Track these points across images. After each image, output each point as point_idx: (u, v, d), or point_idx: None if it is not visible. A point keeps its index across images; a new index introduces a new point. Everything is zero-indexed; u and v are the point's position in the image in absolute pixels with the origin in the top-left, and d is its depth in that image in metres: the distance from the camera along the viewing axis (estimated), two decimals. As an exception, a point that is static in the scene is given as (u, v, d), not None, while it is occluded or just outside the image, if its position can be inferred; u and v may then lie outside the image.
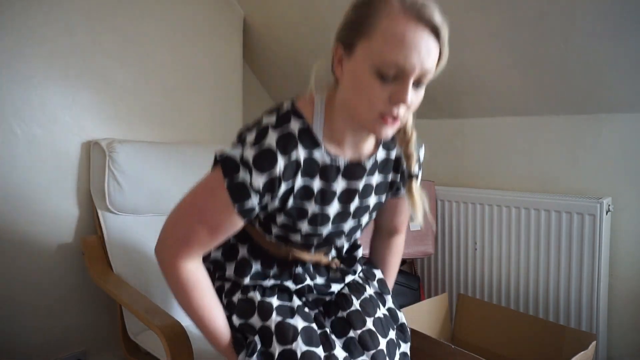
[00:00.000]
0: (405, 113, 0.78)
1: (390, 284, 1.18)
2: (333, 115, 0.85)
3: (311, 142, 0.84)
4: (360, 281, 1.08)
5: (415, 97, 0.77)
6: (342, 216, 0.93)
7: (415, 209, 0.89)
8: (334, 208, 0.90)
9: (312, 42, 2.04)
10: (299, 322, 0.91)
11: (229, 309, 0.95)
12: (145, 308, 1.20)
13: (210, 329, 0.90)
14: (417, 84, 0.76)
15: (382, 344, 0.96)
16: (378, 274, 1.12)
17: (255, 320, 0.92)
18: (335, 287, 1.02)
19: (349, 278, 1.05)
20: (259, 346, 0.89)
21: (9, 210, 1.54)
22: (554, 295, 1.57)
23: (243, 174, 0.79)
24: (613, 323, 1.56)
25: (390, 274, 1.19)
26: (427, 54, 0.73)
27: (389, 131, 0.78)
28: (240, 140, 0.83)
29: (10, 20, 1.50)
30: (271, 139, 0.80)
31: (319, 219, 0.90)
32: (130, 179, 1.58)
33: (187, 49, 1.96)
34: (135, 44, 1.80)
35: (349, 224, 0.96)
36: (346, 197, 0.91)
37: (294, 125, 0.83)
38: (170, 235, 0.88)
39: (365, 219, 0.99)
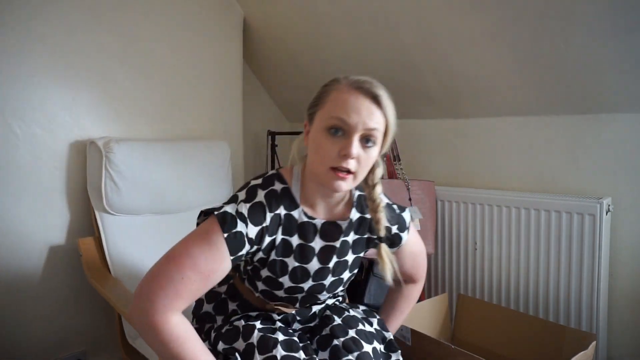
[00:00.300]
0: (357, 168, 0.88)
1: (394, 328, 1.20)
2: (306, 181, 0.96)
3: (290, 202, 0.95)
4: (343, 306, 1.12)
5: (364, 154, 0.88)
6: (321, 272, 0.99)
7: (385, 270, 0.98)
8: (313, 265, 0.98)
9: (312, 42, 2.04)
10: (280, 336, 0.94)
11: (216, 340, 0.98)
12: None
13: None
14: (367, 141, 0.88)
15: (368, 348, 0.98)
16: (376, 318, 1.13)
17: (239, 343, 0.95)
18: (316, 307, 1.06)
19: (329, 301, 1.10)
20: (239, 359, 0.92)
21: (8, 210, 1.54)
22: (554, 295, 1.57)
23: (241, 227, 0.88)
24: (613, 323, 1.56)
25: (397, 317, 1.20)
26: (368, 115, 0.88)
27: (342, 185, 0.88)
28: (232, 199, 0.92)
29: (11, 20, 1.50)
30: (260, 196, 0.92)
31: (299, 274, 0.97)
32: (127, 178, 1.57)
33: (187, 48, 1.96)
34: (136, 44, 1.80)
35: (329, 280, 1.01)
36: (324, 255, 0.98)
37: (277, 186, 0.95)
38: (155, 288, 0.84)
39: (346, 274, 1.04)
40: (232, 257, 0.87)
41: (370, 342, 1.00)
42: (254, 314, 1.02)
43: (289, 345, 0.93)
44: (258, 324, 0.97)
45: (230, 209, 0.89)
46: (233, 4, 2.12)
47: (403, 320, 1.22)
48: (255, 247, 0.91)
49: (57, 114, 1.61)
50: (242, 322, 0.98)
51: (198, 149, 1.81)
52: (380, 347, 1.03)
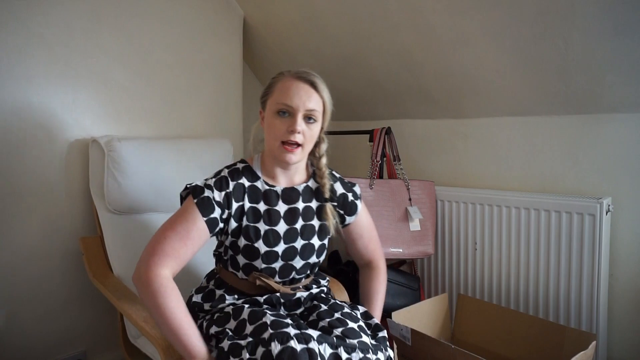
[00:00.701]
0: (303, 140, 1.09)
1: (378, 311, 1.27)
2: (265, 158, 1.18)
3: (252, 175, 1.17)
4: (329, 298, 1.23)
5: (307, 129, 1.10)
6: (290, 234, 1.15)
7: (329, 224, 1.19)
8: (281, 227, 1.15)
9: (312, 42, 2.04)
10: (268, 312, 1.04)
11: (208, 327, 1.09)
12: (144, 317, 1.20)
13: (184, 340, 1.00)
14: (309, 119, 1.10)
15: (353, 325, 1.07)
16: (361, 308, 1.21)
17: (230, 324, 1.05)
18: (300, 294, 1.16)
19: (314, 290, 1.20)
20: (230, 334, 1.02)
21: (9, 210, 1.54)
22: (554, 295, 1.57)
23: (208, 192, 1.09)
24: (613, 323, 1.56)
25: (374, 297, 1.29)
26: (308, 98, 1.09)
27: (292, 157, 1.10)
28: (204, 180, 1.14)
29: (11, 20, 1.50)
30: (224, 172, 1.15)
31: (271, 237, 1.13)
32: (129, 177, 1.56)
33: (187, 48, 1.97)
34: (136, 44, 1.81)
35: (299, 243, 1.16)
36: (290, 216, 1.16)
37: (239, 165, 1.18)
38: (146, 252, 1.05)
39: (315, 240, 1.18)
40: (205, 219, 1.07)
41: (356, 322, 1.09)
42: (240, 300, 1.13)
43: (277, 316, 1.02)
44: (247, 306, 1.08)
45: (199, 183, 1.12)
46: (233, 4, 2.12)
47: (382, 301, 1.30)
48: (226, 212, 1.11)
49: (57, 114, 1.62)
50: (231, 307, 1.10)
51: (201, 146, 1.81)
52: (364, 325, 1.11)
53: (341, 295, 1.45)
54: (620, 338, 1.56)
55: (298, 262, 1.16)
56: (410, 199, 1.82)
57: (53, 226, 1.63)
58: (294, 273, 1.17)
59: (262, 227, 1.13)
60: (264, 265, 1.13)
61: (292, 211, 1.17)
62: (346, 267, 2.00)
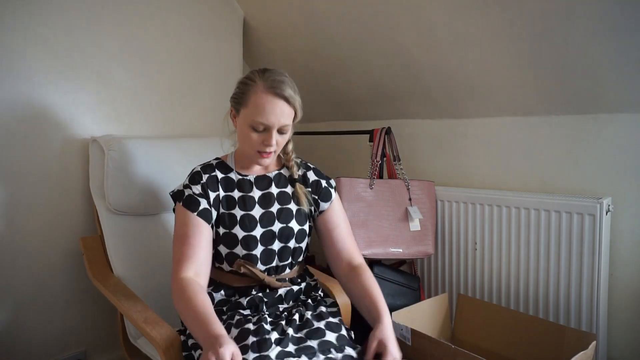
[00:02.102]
0: (276, 148, 1.16)
1: (384, 308, 1.13)
2: (239, 157, 1.26)
3: (226, 168, 1.24)
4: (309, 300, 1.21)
5: (280, 138, 1.16)
6: (267, 217, 1.19)
7: (302, 201, 1.23)
8: (257, 211, 1.19)
9: (312, 42, 2.04)
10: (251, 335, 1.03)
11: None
12: (145, 318, 1.20)
13: (204, 329, 0.95)
14: (280, 132, 1.15)
15: (335, 334, 1.07)
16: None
17: None
18: (282, 290, 1.18)
19: (295, 287, 1.21)
20: None
21: (9, 210, 1.54)
22: (554, 295, 1.57)
23: (187, 191, 1.17)
24: (613, 323, 1.56)
25: (376, 295, 1.14)
26: (282, 114, 1.12)
27: (266, 161, 1.18)
28: (181, 184, 1.22)
29: (11, 20, 1.50)
30: (197, 168, 1.23)
31: (247, 221, 1.17)
32: (130, 176, 1.56)
33: (187, 48, 1.97)
34: (136, 44, 1.81)
35: (277, 226, 1.19)
36: (264, 201, 1.21)
37: (213, 161, 1.26)
38: (172, 267, 1.12)
39: (294, 224, 1.21)
40: (195, 214, 1.14)
41: (338, 331, 1.09)
42: (229, 298, 1.17)
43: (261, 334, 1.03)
44: (233, 323, 1.09)
45: (179, 187, 1.20)
46: (233, 4, 2.12)
47: (382, 297, 1.15)
48: (211, 199, 1.17)
49: (57, 114, 1.62)
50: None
51: (201, 146, 1.81)
52: (346, 335, 1.10)
53: (341, 296, 1.45)
54: (620, 338, 1.56)
55: (277, 246, 1.19)
56: (410, 199, 1.82)
57: (53, 226, 1.63)
58: (276, 259, 1.19)
59: (238, 212, 1.18)
60: (244, 252, 1.16)
61: (266, 196, 1.22)
62: (346, 267, 2.00)
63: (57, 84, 1.61)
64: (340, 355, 1.02)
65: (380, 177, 1.88)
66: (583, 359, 1.24)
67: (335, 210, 1.28)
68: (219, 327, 0.94)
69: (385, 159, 1.91)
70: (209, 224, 1.14)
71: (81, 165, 1.68)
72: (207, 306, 1.00)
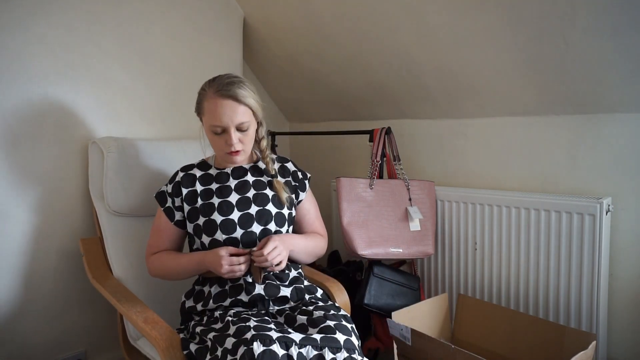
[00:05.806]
0: (242, 146, 1.24)
1: (296, 239, 1.30)
2: (217, 157, 1.36)
3: (205, 166, 1.36)
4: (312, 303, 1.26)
5: (242, 136, 1.24)
6: (243, 202, 1.27)
7: (281, 194, 1.30)
8: (233, 197, 1.28)
9: (312, 42, 2.04)
10: (253, 318, 1.10)
11: (194, 327, 1.17)
12: (144, 318, 1.20)
13: (194, 265, 1.23)
14: (240, 130, 1.23)
15: (337, 323, 1.10)
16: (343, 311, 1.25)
17: (217, 325, 1.13)
18: (284, 291, 1.21)
19: (292, 272, 1.28)
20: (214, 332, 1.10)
21: (9, 210, 1.54)
22: (554, 295, 1.57)
23: (163, 188, 1.34)
24: (613, 323, 1.56)
25: (302, 236, 1.35)
26: (234, 114, 1.20)
27: (237, 159, 1.27)
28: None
29: (11, 20, 1.50)
30: (178, 169, 1.36)
31: (225, 207, 1.26)
32: (129, 178, 1.56)
33: (187, 48, 1.97)
34: (136, 44, 1.80)
35: (254, 209, 1.26)
36: (241, 188, 1.30)
37: (195, 162, 1.38)
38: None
39: (271, 207, 1.28)
40: (162, 209, 1.31)
41: (339, 320, 1.12)
42: (226, 302, 1.19)
43: (261, 321, 1.08)
44: (232, 312, 1.16)
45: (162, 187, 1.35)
46: (233, 4, 2.12)
47: (304, 245, 1.33)
48: (177, 200, 1.30)
49: (56, 115, 1.61)
50: (219, 311, 1.19)
51: (200, 147, 1.80)
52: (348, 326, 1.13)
53: (341, 296, 1.45)
54: (620, 338, 1.56)
55: (257, 228, 1.25)
56: (410, 199, 1.82)
57: (53, 227, 1.63)
58: (257, 243, 1.23)
59: (216, 200, 1.27)
60: (224, 236, 1.22)
61: (242, 183, 1.31)
62: (346, 267, 2.00)
63: (56, 84, 1.61)
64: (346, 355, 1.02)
65: (380, 177, 1.88)
66: (583, 359, 1.24)
67: (309, 200, 1.43)
68: (197, 254, 1.23)
69: (385, 159, 1.91)
70: (171, 221, 1.31)
71: (80, 167, 1.68)
72: (177, 254, 1.30)
